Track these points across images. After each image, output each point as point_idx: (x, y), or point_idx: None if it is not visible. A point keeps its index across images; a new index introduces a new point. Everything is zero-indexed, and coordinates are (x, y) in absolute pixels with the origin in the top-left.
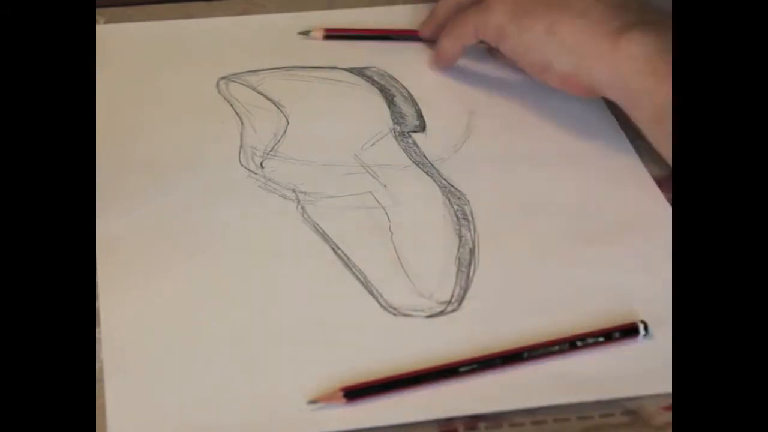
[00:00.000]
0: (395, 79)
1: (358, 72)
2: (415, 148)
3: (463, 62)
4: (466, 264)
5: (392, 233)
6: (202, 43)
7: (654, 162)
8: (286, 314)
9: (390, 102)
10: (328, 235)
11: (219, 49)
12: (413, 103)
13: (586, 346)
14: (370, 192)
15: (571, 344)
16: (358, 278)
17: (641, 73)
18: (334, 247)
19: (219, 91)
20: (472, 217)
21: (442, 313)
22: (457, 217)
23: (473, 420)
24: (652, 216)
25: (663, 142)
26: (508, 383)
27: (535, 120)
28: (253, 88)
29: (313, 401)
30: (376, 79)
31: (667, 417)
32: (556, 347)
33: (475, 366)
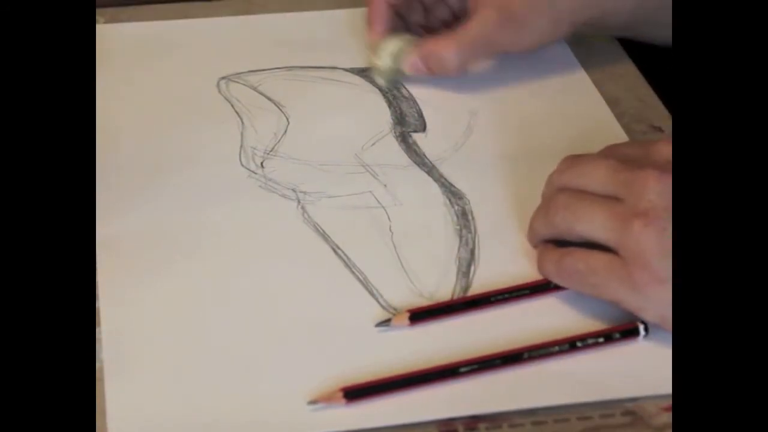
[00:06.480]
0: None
1: (359, 72)
2: (415, 147)
3: None
4: (467, 264)
5: (392, 233)
6: (202, 43)
7: None
8: (286, 314)
9: (390, 102)
10: (328, 235)
11: (219, 49)
12: (413, 102)
13: (586, 346)
14: (371, 192)
15: (571, 344)
16: (358, 278)
17: None
18: (335, 246)
19: (219, 91)
20: (473, 217)
21: None
22: (458, 217)
23: (473, 420)
24: None
25: None
26: (508, 383)
27: (535, 120)
28: (254, 88)
29: (313, 401)
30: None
31: (667, 417)
32: (556, 347)
33: (475, 366)
